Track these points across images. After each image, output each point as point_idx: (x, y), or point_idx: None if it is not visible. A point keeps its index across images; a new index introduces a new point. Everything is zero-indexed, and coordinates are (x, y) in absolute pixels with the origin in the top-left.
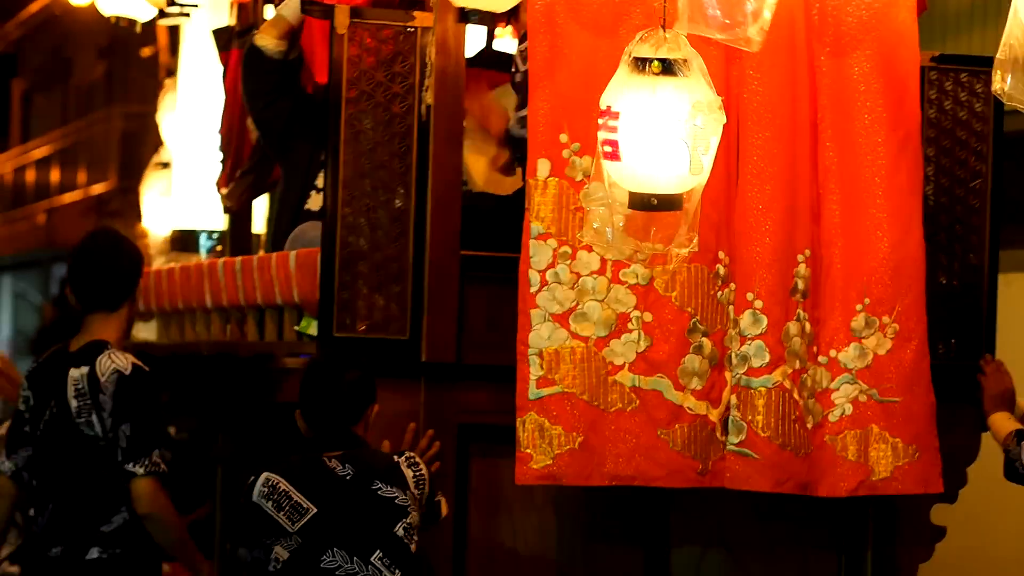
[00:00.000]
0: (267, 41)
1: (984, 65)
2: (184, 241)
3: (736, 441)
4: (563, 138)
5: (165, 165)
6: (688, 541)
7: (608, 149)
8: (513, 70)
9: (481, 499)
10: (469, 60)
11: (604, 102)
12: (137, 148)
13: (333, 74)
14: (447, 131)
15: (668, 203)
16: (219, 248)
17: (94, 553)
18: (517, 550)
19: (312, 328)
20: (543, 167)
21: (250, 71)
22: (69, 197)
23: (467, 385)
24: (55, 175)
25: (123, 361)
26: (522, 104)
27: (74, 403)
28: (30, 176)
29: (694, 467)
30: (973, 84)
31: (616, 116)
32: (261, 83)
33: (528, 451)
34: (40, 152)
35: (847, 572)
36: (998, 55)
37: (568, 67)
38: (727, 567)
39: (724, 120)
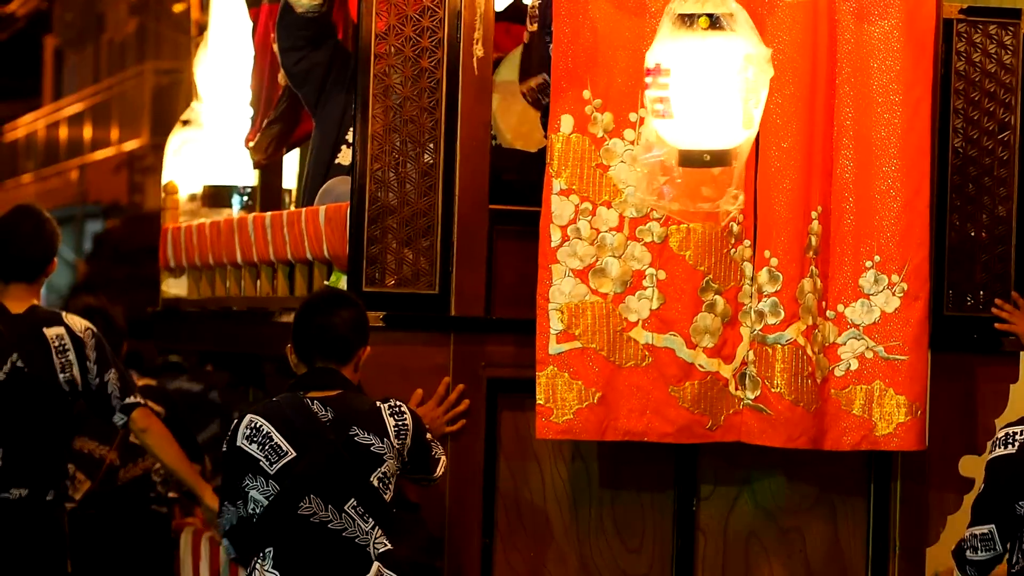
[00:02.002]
0: None
1: (1013, 17)
2: (216, 197)
3: (752, 397)
4: (586, 94)
5: (186, 122)
6: (716, 492)
7: (659, 107)
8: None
9: (510, 451)
10: (498, 14)
11: (651, 60)
12: (169, 104)
13: (362, 29)
14: (476, 86)
15: (720, 159)
16: (249, 203)
17: (51, 495)
18: (546, 502)
19: (342, 283)
20: (566, 123)
21: (284, 27)
22: (102, 154)
23: (496, 339)
24: (88, 132)
25: (85, 322)
26: (529, 68)
27: (58, 360)
28: (63, 133)
29: (703, 423)
30: (1002, 36)
31: (667, 73)
32: (295, 39)
33: (548, 405)
34: (73, 109)
35: (875, 521)
36: None
37: (591, 24)
38: (756, 517)
39: (772, 73)
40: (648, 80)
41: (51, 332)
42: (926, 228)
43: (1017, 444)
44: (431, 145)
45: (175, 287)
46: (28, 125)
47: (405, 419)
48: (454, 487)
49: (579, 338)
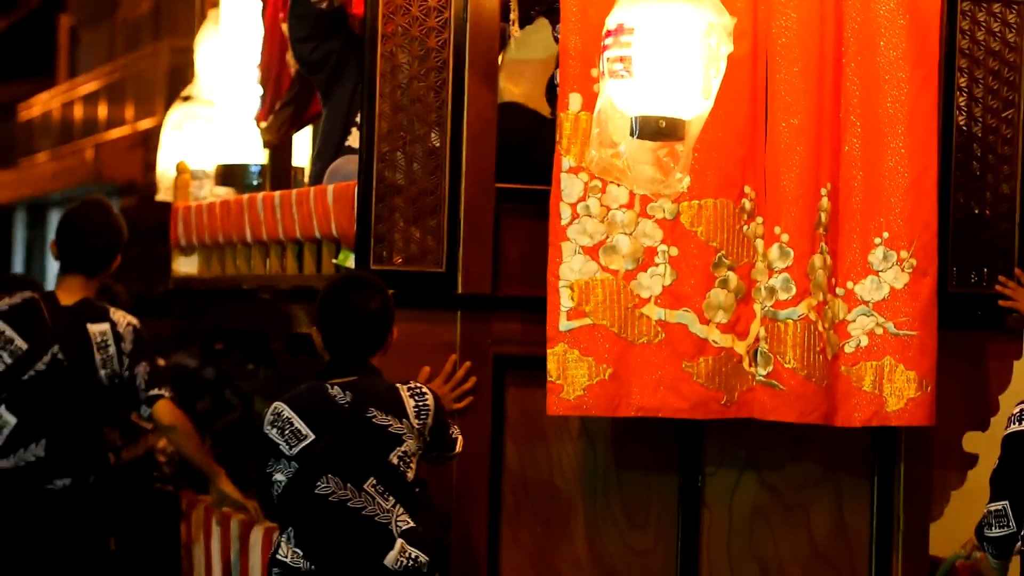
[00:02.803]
0: None
1: None
2: (228, 175)
3: (764, 373)
4: (595, 72)
5: (187, 98)
6: (722, 469)
7: (619, 67)
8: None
9: (517, 428)
10: None
11: (614, 20)
12: (184, 83)
13: (369, 8)
14: (482, 65)
15: (673, 129)
16: (258, 183)
17: (92, 479)
18: (552, 478)
19: (350, 261)
20: (575, 101)
21: (297, 17)
22: (117, 132)
23: (503, 316)
24: (103, 110)
25: (129, 317)
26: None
27: (99, 356)
28: (78, 112)
29: (718, 399)
30: (1006, 15)
31: (631, 32)
32: (309, 29)
33: (559, 382)
34: (87, 88)
35: (879, 497)
36: None
37: (598, 3)
38: (761, 494)
39: (732, 48)
40: (609, 41)
41: (95, 328)
42: (934, 205)
43: None
44: (438, 124)
45: (186, 266)
46: (43, 104)
47: (426, 399)
48: (461, 463)
49: (590, 315)
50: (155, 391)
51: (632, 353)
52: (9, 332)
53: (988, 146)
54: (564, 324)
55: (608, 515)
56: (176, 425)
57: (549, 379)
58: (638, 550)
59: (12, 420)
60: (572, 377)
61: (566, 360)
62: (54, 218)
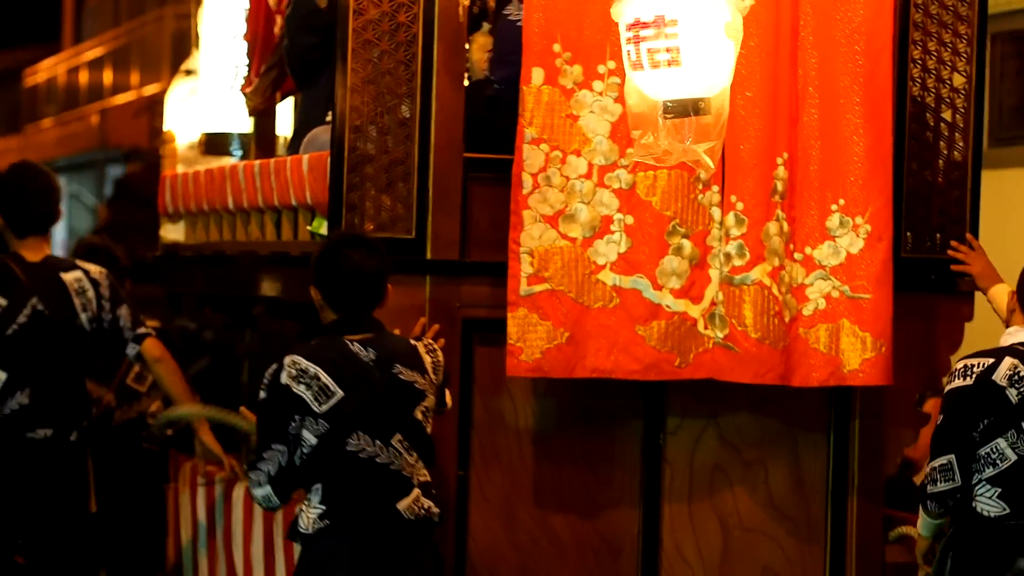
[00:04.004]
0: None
1: None
2: (214, 144)
3: (720, 336)
4: (556, 48)
5: (189, 72)
6: (683, 426)
7: (667, 56)
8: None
9: (484, 387)
10: None
11: (649, 11)
12: (189, 48)
13: None
14: (450, 39)
15: (705, 108)
16: (240, 152)
17: (74, 436)
18: (519, 435)
19: (323, 228)
20: (537, 75)
21: (309, 30)
22: (122, 98)
23: (470, 280)
24: (108, 76)
25: (98, 266)
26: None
27: (78, 300)
28: (83, 77)
29: (671, 360)
30: None
31: (674, 23)
32: (310, 36)
33: (519, 344)
34: (93, 53)
35: (835, 453)
36: None
37: None
38: (721, 450)
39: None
40: (647, 32)
41: (68, 276)
42: (889, 173)
43: (974, 376)
44: (408, 96)
45: (173, 232)
46: (48, 70)
47: (438, 356)
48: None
49: (548, 280)
50: (141, 330)
51: (588, 317)
52: None
53: (940, 116)
54: (524, 289)
55: (573, 470)
56: (163, 358)
57: (509, 342)
58: (602, 505)
59: (2, 375)
60: (531, 340)
61: (526, 324)
62: (60, 184)
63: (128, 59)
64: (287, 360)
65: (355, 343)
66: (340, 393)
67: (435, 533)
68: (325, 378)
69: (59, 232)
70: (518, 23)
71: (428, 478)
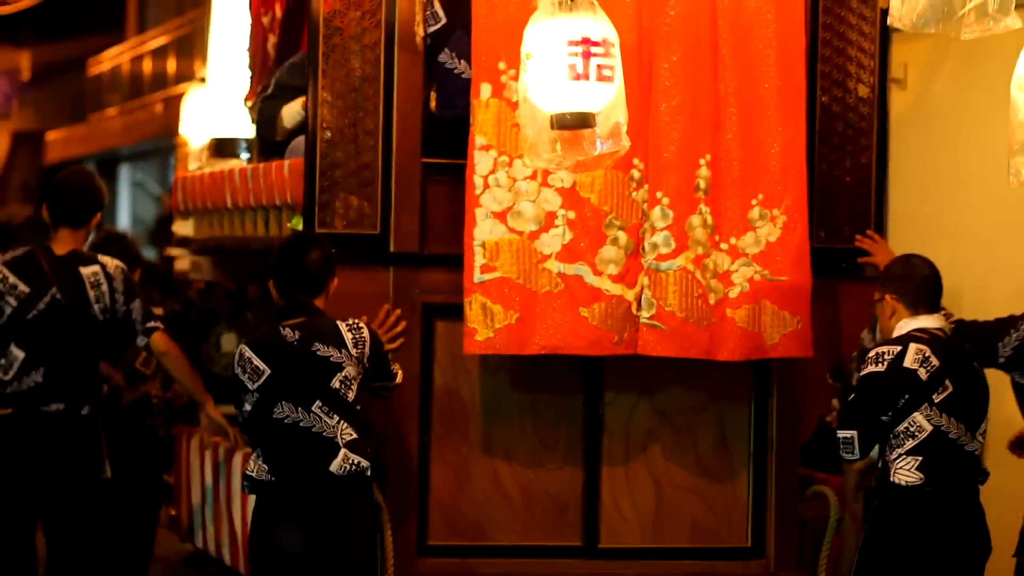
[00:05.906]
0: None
1: None
2: (222, 148)
3: (648, 315)
4: (501, 65)
5: (203, 79)
6: (620, 398)
7: (609, 74)
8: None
9: (443, 364)
10: None
11: (596, 32)
12: None
13: (312, 15)
14: (409, 58)
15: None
16: (247, 155)
17: (86, 410)
18: (475, 406)
19: (300, 225)
20: (485, 90)
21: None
22: (186, 87)
23: (429, 270)
24: (172, 65)
25: (116, 261)
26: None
27: (92, 292)
28: (147, 66)
29: (610, 338)
30: (862, 9)
31: (613, 45)
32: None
33: (474, 326)
34: (157, 42)
35: (756, 421)
36: None
37: (504, 5)
38: (653, 419)
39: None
40: (597, 51)
41: (87, 271)
42: (802, 169)
43: (886, 363)
44: (373, 110)
45: (183, 228)
46: (113, 59)
47: (362, 332)
48: (396, 395)
49: (499, 269)
50: (151, 323)
51: (536, 301)
52: (13, 279)
53: (848, 122)
54: (478, 277)
55: (523, 437)
56: (170, 351)
57: (466, 324)
58: (548, 467)
59: (21, 355)
60: (485, 322)
61: (480, 307)
62: (124, 173)
63: (192, 48)
64: (239, 348)
65: (286, 327)
66: (268, 371)
67: (392, 489)
68: (256, 360)
69: (123, 220)
70: (454, 70)
71: (354, 436)
